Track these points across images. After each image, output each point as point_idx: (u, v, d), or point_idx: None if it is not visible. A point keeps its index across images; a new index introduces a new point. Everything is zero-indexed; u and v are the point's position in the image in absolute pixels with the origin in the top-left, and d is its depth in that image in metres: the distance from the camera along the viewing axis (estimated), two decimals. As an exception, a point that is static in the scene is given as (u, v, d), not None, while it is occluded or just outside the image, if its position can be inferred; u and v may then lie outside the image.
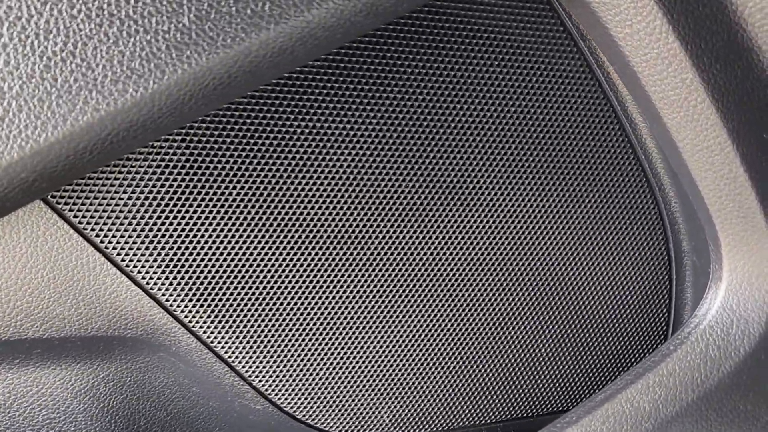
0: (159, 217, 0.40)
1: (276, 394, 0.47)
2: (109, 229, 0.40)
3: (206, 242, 0.42)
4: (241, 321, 0.44)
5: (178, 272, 0.42)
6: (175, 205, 0.40)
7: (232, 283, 0.43)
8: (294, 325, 0.45)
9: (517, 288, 0.47)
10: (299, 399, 0.47)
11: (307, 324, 0.45)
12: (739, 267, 0.40)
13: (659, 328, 0.51)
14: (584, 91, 0.44)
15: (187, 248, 0.41)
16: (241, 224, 0.42)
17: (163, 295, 0.42)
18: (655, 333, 0.51)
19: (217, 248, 0.42)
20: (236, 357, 0.45)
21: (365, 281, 0.45)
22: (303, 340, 0.46)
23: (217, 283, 0.43)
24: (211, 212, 0.41)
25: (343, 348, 0.46)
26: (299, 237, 0.43)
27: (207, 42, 0.30)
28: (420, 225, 0.44)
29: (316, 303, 0.45)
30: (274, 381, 0.46)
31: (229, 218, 0.42)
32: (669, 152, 0.40)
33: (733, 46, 0.35)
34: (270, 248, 0.43)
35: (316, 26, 0.31)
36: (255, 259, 0.43)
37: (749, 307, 0.41)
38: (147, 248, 0.41)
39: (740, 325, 0.41)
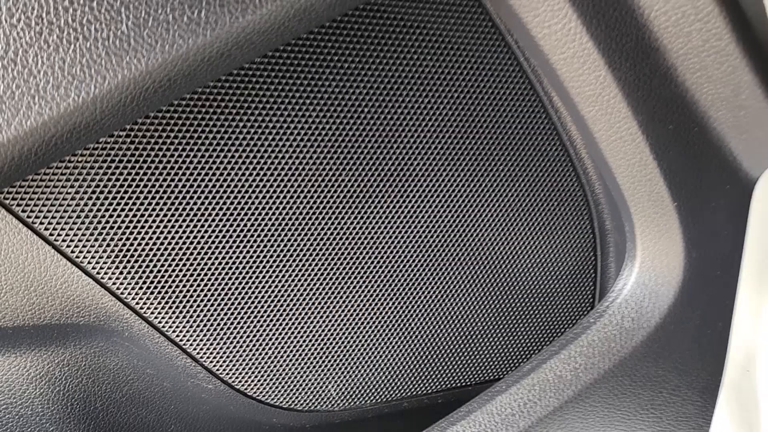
0: (107, 210, 0.42)
1: (227, 373, 0.49)
2: (57, 223, 0.41)
3: (153, 232, 0.43)
4: (191, 305, 0.46)
5: (128, 261, 0.43)
6: (122, 197, 0.42)
7: (180, 269, 0.45)
8: (242, 307, 0.47)
9: (454, 266, 0.51)
10: (249, 377, 0.50)
11: (255, 306, 0.48)
12: (651, 246, 0.44)
13: (587, 299, 0.55)
14: (512, 83, 0.46)
15: (135, 238, 0.43)
16: (188, 213, 0.44)
17: (114, 283, 0.44)
18: (583, 304, 0.55)
19: (165, 237, 0.44)
20: (187, 340, 0.47)
21: (309, 264, 0.47)
22: (251, 321, 0.48)
23: (166, 270, 0.45)
24: (158, 203, 0.43)
25: (289, 328, 0.49)
26: (244, 224, 0.45)
27: (146, 48, 0.31)
28: (360, 210, 0.47)
29: (262, 286, 0.47)
30: (224, 361, 0.49)
31: (176, 208, 0.43)
32: (587, 141, 0.43)
33: (641, 46, 0.38)
34: (216, 235, 0.45)
35: (251, 31, 0.33)
36: (202, 246, 0.45)
37: (660, 282, 0.45)
38: (96, 239, 0.42)
39: (652, 299, 0.45)
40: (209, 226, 0.44)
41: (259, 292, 0.47)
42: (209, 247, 0.45)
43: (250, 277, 0.46)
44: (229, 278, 0.46)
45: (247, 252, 0.46)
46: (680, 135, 0.41)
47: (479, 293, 0.52)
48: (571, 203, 0.51)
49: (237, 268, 0.46)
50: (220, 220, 0.44)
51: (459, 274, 0.51)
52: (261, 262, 0.46)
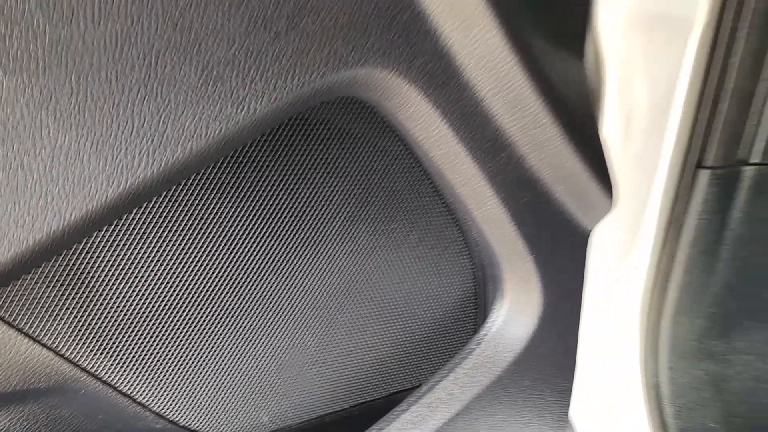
0: (64, 293, 0.48)
1: (174, 414, 0.57)
2: (20, 309, 0.47)
3: (102, 306, 0.50)
4: (140, 362, 0.54)
5: (83, 333, 0.50)
6: (79, 279, 0.49)
7: (128, 334, 0.52)
8: (183, 360, 0.55)
9: (362, 307, 0.61)
10: (192, 415, 0.58)
11: (194, 358, 0.56)
12: (516, 288, 0.56)
13: (471, 325, 0.66)
14: (402, 160, 0.56)
15: (90, 312, 0.50)
16: (130, 290, 0.51)
17: (71, 353, 0.51)
18: (468, 329, 0.66)
19: (114, 309, 0.51)
20: (137, 391, 0.55)
21: (237, 320, 0.56)
22: (191, 370, 0.56)
23: (116, 336, 0.52)
24: (109, 284, 0.50)
25: (224, 372, 0.57)
26: (178, 296, 0.53)
27: (103, 186, 0.38)
28: (281, 271, 0.56)
29: (198, 342, 0.55)
30: (171, 404, 0.57)
31: (119, 287, 0.51)
32: (463, 212, 0.54)
33: (499, 143, 0.49)
34: (155, 306, 0.52)
35: (189, 162, 0.41)
36: (145, 314, 0.52)
37: (524, 314, 0.57)
38: (54, 319, 0.49)
39: (518, 327, 0.57)
40: (150, 298, 0.52)
41: (197, 347, 0.55)
42: (150, 315, 0.53)
43: (188, 336, 0.54)
44: (171, 338, 0.54)
45: (184, 317, 0.54)
46: (532, 205, 0.52)
47: (384, 326, 0.62)
48: (454, 249, 0.62)
49: (176, 330, 0.54)
50: (157, 294, 0.52)
51: (367, 313, 0.61)
52: (196, 323, 0.54)
